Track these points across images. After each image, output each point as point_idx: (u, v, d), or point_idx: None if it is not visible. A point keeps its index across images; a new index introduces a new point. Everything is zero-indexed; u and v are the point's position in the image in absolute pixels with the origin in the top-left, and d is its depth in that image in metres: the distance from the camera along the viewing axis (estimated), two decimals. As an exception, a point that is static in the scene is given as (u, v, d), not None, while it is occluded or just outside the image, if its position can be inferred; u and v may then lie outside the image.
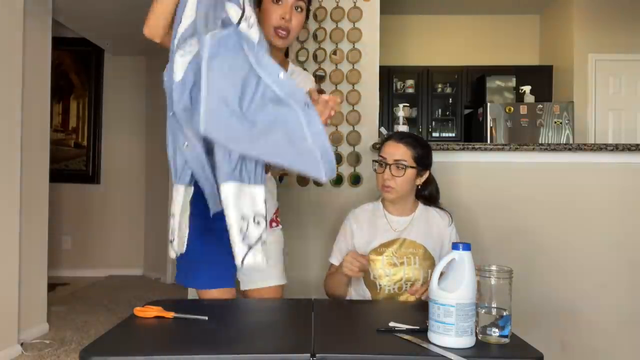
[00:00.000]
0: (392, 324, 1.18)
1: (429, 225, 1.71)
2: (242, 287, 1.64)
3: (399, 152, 1.67)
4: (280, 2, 1.51)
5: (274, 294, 1.66)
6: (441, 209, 1.77)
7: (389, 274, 1.64)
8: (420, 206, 1.74)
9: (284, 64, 1.65)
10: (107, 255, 5.12)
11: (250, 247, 1.13)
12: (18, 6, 2.76)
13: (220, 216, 1.20)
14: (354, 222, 1.74)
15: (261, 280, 1.64)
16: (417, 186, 1.73)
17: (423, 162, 1.70)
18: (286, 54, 1.77)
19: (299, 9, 1.53)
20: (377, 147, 2.38)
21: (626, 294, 2.34)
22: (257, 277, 1.63)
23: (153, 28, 1.40)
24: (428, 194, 1.78)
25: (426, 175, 1.73)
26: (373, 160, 1.75)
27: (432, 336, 1.07)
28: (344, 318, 1.34)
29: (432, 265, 1.65)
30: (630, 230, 2.35)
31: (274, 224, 1.70)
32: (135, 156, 5.20)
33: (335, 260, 1.75)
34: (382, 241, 1.68)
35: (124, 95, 5.20)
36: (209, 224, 1.42)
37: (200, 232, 1.48)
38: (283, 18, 1.50)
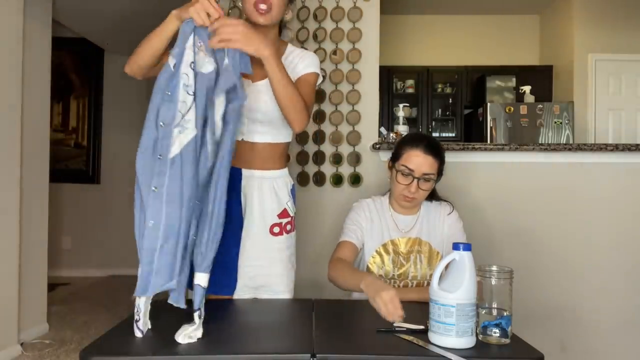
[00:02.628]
0: (397, 323, 1.18)
1: (431, 221, 1.70)
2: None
3: (427, 164, 1.60)
4: None
5: None
6: (441, 200, 1.75)
7: (395, 272, 1.64)
8: (424, 204, 1.74)
9: (279, 45, 1.56)
10: (107, 255, 5.12)
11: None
12: (18, 6, 2.76)
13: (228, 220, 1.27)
14: (367, 212, 1.70)
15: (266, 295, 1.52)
16: None
17: (441, 169, 1.67)
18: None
19: None
20: (377, 148, 2.39)
21: (626, 294, 2.34)
22: (260, 291, 1.52)
23: (137, 68, 1.42)
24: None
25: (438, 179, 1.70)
26: (396, 170, 1.63)
27: (433, 336, 1.07)
28: (344, 318, 1.34)
29: (439, 260, 1.65)
30: (630, 230, 2.35)
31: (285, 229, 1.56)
32: (135, 156, 5.18)
33: (353, 238, 1.65)
34: (389, 239, 1.68)
35: (124, 95, 5.20)
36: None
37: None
38: None
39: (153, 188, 1.16)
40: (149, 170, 1.18)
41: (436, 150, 1.63)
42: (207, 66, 1.21)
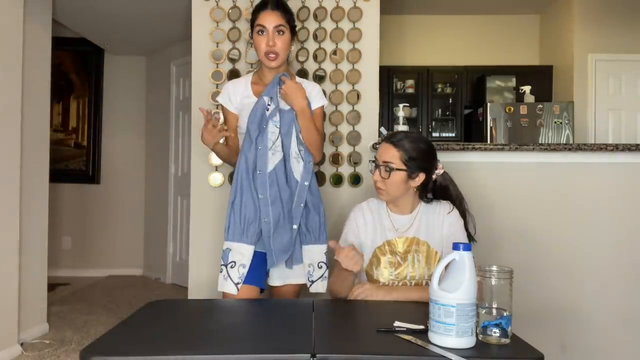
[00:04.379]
0: (397, 323, 1.18)
1: (430, 221, 1.70)
2: (270, 283, 1.86)
3: (387, 153, 1.65)
4: (263, 33, 1.81)
5: (294, 291, 1.88)
6: (440, 200, 1.74)
7: (393, 272, 1.64)
8: (422, 204, 1.73)
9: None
10: (107, 255, 5.13)
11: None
12: (18, 6, 2.76)
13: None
14: (360, 217, 1.73)
15: (279, 279, 1.84)
16: (415, 188, 1.69)
17: (416, 164, 1.64)
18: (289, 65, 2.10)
19: (281, 32, 1.81)
20: (377, 148, 2.38)
21: (626, 294, 2.34)
22: (278, 275, 1.85)
23: (228, 162, 1.97)
24: (432, 194, 1.75)
25: (421, 178, 1.67)
26: (369, 160, 1.76)
27: (433, 336, 1.07)
28: (344, 318, 1.34)
29: (438, 260, 1.65)
30: (630, 230, 2.35)
31: None
32: (135, 156, 5.20)
33: None
34: (385, 239, 1.68)
35: (124, 95, 5.20)
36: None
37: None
38: (268, 45, 1.80)
39: (260, 196, 1.73)
40: (248, 180, 1.75)
41: (398, 141, 1.65)
42: (286, 105, 1.82)
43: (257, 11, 1.83)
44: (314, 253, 1.81)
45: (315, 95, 1.91)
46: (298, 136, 1.81)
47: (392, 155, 1.64)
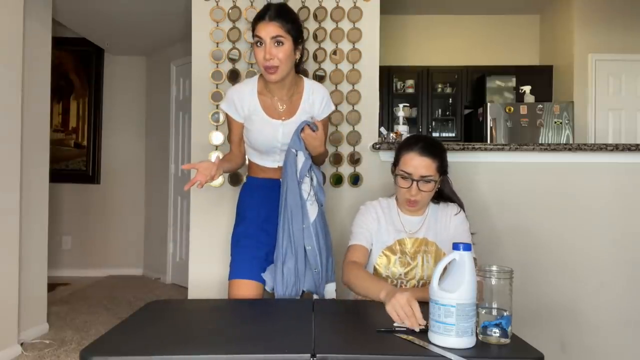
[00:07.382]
0: (397, 323, 1.18)
1: (438, 222, 1.70)
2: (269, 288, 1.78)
3: (424, 166, 1.60)
4: (260, 45, 1.69)
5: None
6: (450, 201, 1.75)
7: (402, 272, 1.64)
8: (431, 205, 1.74)
9: (297, 84, 1.85)
10: (107, 255, 5.13)
11: None
12: (18, 6, 2.76)
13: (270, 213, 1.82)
14: (374, 213, 1.71)
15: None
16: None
17: (444, 168, 1.67)
18: (299, 71, 1.95)
19: (280, 43, 1.68)
20: (377, 148, 2.39)
21: (626, 294, 2.34)
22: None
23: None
24: (437, 193, 1.75)
25: (444, 178, 1.71)
26: (395, 174, 1.67)
27: (433, 336, 1.07)
28: (344, 318, 1.34)
29: None
30: (629, 230, 2.35)
31: None
32: (135, 156, 5.20)
33: (364, 241, 1.68)
34: (395, 239, 1.68)
35: (124, 95, 5.20)
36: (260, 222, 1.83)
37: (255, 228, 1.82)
38: (265, 58, 1.68)
39: (309, 247, 1.76)
40: (299, 231, 1.76)
41: (432, 151, 1.62)
42: (307, 155, 1.81)
43: (255, 21, 1.71)
44: (328, 293, 1.84)
45: (326, 104, 1.86)
46: (313, 178, 1.84)
47: (429, 167, 1.60)
